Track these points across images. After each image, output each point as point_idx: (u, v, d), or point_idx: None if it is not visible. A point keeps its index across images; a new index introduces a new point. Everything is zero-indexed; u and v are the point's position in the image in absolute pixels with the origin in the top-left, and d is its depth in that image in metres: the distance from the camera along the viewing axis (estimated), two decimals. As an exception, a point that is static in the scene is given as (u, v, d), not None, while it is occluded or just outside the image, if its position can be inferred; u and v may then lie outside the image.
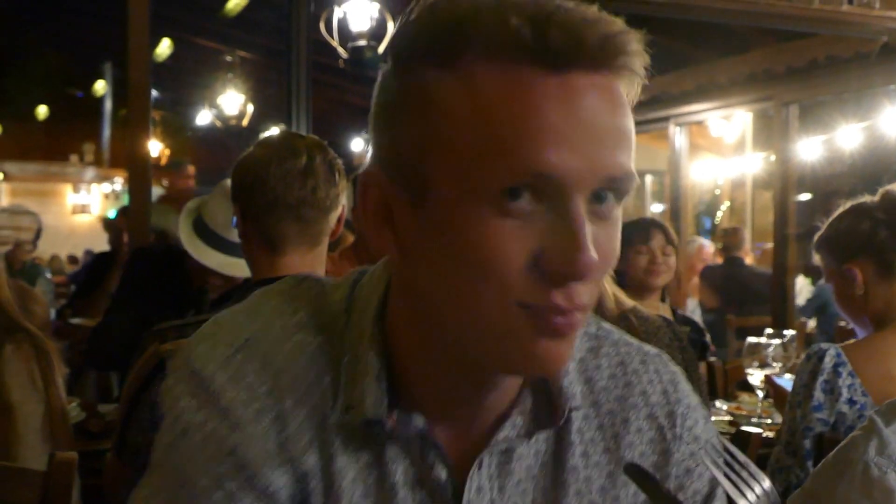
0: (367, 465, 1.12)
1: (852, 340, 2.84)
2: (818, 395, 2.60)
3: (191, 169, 6.90)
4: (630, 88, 1.00)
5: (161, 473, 1.12)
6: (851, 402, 2.59)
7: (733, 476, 1.06)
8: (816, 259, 2.92)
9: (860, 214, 2.76)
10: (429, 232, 1.02)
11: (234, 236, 3.20)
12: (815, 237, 2.89)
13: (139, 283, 3.90)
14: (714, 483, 1.24)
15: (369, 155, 1.09)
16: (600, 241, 0.98)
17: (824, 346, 2.70)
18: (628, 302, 2.89)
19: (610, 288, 2.85)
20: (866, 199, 2.78)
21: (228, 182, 3.20)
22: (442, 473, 1.12)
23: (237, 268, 3.26)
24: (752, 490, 1.05)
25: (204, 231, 3.41)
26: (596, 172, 0.96)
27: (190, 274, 3.66)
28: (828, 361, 2.61)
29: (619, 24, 0.97)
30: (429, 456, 1.12)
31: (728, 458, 1.07)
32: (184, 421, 1.10)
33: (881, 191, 2.77)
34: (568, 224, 0.95)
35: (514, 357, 1.02)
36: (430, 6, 1.02)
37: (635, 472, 1.05)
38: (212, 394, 1.10)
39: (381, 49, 6.13)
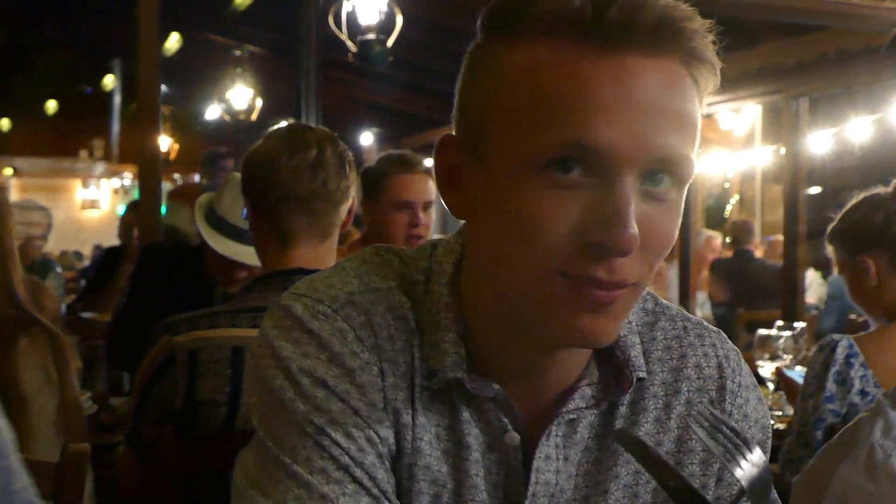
0: (444, 427, 1.16)
1: (865, 332, 2.84)
2: (830, 385, 2.60)
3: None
4: (700, 74, 1.04)
5: (271, 422, 1.13)
6: (863, 393, 2.59)
7: (725, 443, 1.08)
8: (829, 251, 2.90)
9: (874, 206, 2.75)
10: (488, 194, 1.07)
11: (233, 219, 3.34)
12: (829, 228, 2.88)
13: (150, 280, 3.89)
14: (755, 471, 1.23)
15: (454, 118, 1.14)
16: (651, 221, 1.02)
17: (836, 337, 2.70)
18: None
19: None
20: (880, 190, 2.78)
21: (235, 176, 3.27)
22: (515, 438, 1.15)
23: (245, 255, 3.30)
24: (745, 458, 1.08)
25: (220, 223, 3.44)
26: (646, 151, 0.99)
27: (206, 268, 3.66)
28: (840, 352, 2.61)
29: (680, 8, 1.01)
30: (503, 420, 1.16)
31: (720, 425, 1.09)
32: (292, 369, 1.12)
33: (894, 182, 2.76)
34: (613, 199, 0.98)
35: (556, 327, 1.05)
36: None
37: (625, 439, 1.09)
38: (321, 343, 1.13)
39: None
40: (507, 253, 1.06)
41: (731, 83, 8.32)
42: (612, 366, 1.19)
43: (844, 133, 9.86)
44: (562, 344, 1.11)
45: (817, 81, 7.58)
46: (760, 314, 6.47)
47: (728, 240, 9.76)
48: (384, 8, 6.30)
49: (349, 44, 6.17)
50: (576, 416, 1.18)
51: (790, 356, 3.79)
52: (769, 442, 1.32)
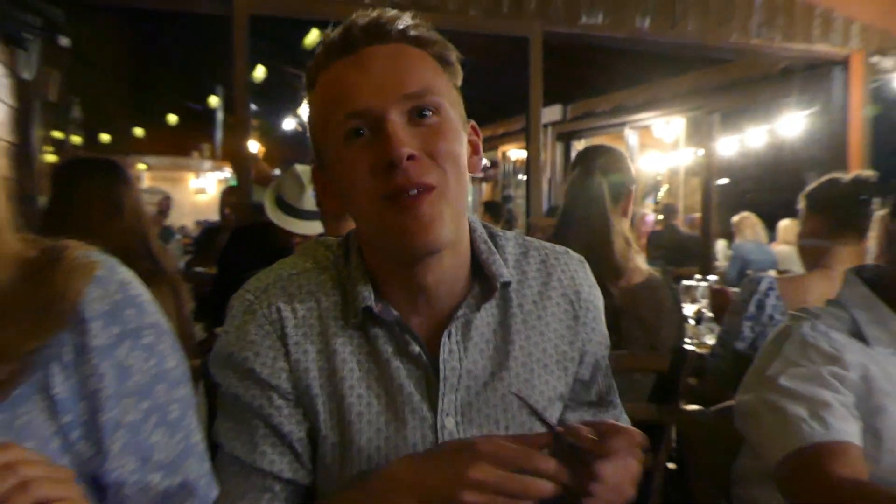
0: (359, 344, 1.21)
1: (786, 275, 2.83)
2: (751, 308, 2.62)
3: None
4: (427, 47, 1.17)
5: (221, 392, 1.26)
6: (772, 318, 2.58)
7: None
8: (800, 204, 2.78)
9: (837, 181, 2.68)
10: (332, 177, 1.18)
11: (302, 205, 3.39)
12: (807, 190, 2.77)
13: (238, 252, 3.91)
14: (602, 352, 1.36)
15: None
16: (424, 137, 1.11)
17: (761, 274, 2.71)
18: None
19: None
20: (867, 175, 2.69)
21: (297, 167, 3.43)
22: (415, 348, 1.20)
23: (305, 228, 3.40)
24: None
25: (281, 203, 3.45)
26: (389, 96, 1.10)
27: (277, 237, 3.65)
28: (763, 285, 2.64)
29: (390, 13, 1.16)
30: (404, 335, 1.20)
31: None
32: (222, 342, 1.24)
33: (856, 173, 2.71)
34: (384, 132, 1.09)
35: (396, 238, 1.12)
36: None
37: (519, 397, 1.18)
38: (240, 324, 1.22)
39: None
40: (354, 208, 1.15)
41: (664, 101, 8.26)
42: (486, 281, 1.23)
43: (745, 139, 9.85)
44: (405, 249, 1.14)
45: (727, 100, 7.54)
46: (682, 270, 6.46)
47: (660, 217, 9.78)
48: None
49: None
50: (466, 319, 1.22)
51: (706, 300, 3.78)
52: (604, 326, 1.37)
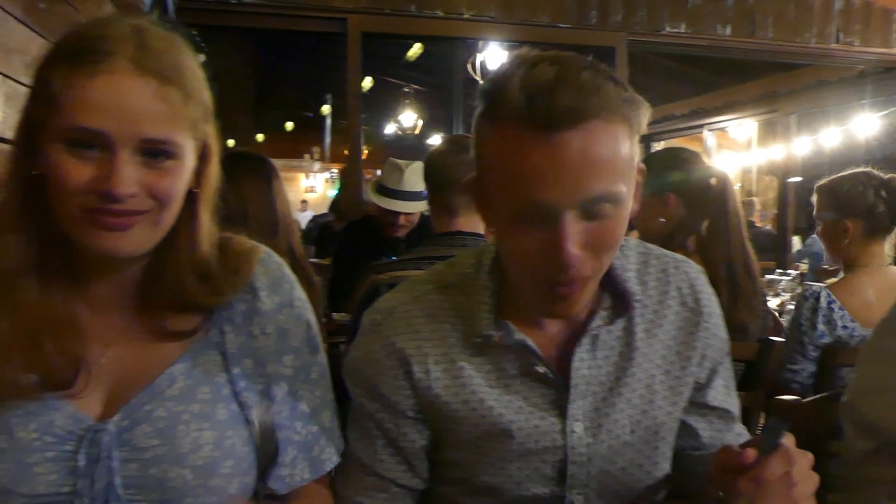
0: (483, 362, 1.18)
1: (832, 280, 2.67)
2: (821, 326, 2.45)
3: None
4: (627, 117, 0.99)
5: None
6: (845, 328, 2.44)
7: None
8: (814, 199, 2.70)
9: (868, 185, 2.56)
10: (492, 221, 1.09)
11: (401, 187, 3.58)
12: (820, 183, 2.69)
13: (351, 245, 4.01)
14: (721, 358, 1.28)
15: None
16: (593, 237, 1.01)
17: (815, 288, 2.54)
18: None
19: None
20: (872, 172, 2.59)
21: (392, 159, 3.67)
22: (540, 368, 1.16)
23: (405, 206, 3.59)
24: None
25: (382, 189, 3.63)
26: (574, 198, 0.97)
27: (381, 224, 3.79)
28: (823, 300, 2.46)
29: (594, 85, 0.96)
30: (530, 358, 1.16)
31: None
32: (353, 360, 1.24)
33: (890, 176, 2.58)
34: (556, 233, 0.99)
35: (544, 309, 1.11)
36: (493, 72, 1.04)
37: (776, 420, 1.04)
38: (367, 341, 1.22)
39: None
40: (510, 266, 1.10)
41: (740, 105, 8.02)
42: (616, 296, 1.18)
43: (819, 139, 9.48)
44: (550, 316, 1.15)
45: (803, 103, 7.27)
46: (761, 264, 6.29)
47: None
48: (504, 59, 6.22)
49: (481, 82, 6.11)
50: (597, 333, 1.18)
51: (788, 293, 3.66)
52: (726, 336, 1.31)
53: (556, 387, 1.17)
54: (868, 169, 2.60)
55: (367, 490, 1.22)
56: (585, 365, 1.17)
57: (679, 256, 1.29)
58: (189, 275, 1.09)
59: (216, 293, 1.11)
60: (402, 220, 3.66)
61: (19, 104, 1.52)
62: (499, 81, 1.00)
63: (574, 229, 0.99)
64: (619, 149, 0.98)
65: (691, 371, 1.24)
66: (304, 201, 17.53)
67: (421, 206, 3.60)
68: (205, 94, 1.07)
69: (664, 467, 1.26)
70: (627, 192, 1.02)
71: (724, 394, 1.31)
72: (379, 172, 3.80)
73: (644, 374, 1.20)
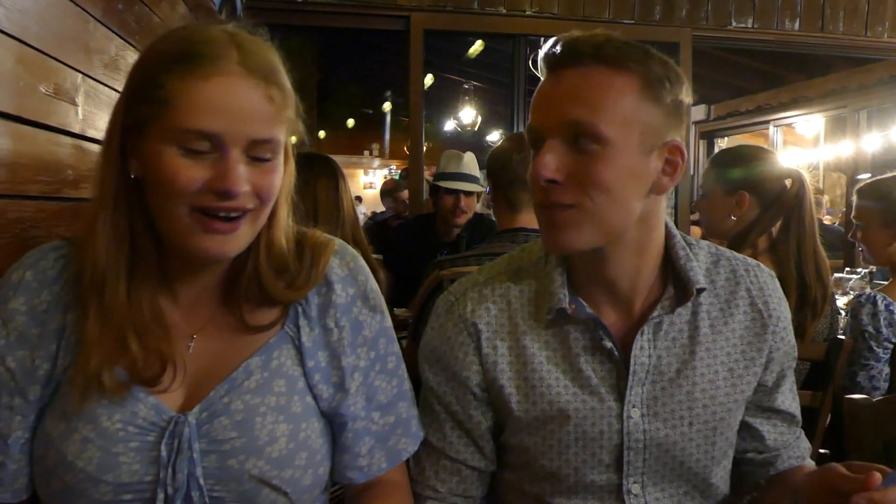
0: (549, 340, 1.22)
1: (882, 286, 2.61)
2: (885, 330, 2.40)
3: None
4: (628, 76, 1.10)
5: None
6: None
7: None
8: (853, 199, 2.66)
9: None
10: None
11: (461, 170, 3.85)
12: (863, 186, 2.64)
13: (412, 237, 4.07)
14: (790, 362, 1.30)
15: None
16: (578, 167, 1.11)
17: (869, 292, 2.50)
18: None
19: None
20: None
21: (449, 150, 4.00)
22: (608, 343, 1.19)
23: (465, 186, 3.82)
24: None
25: (443, 175, 3.89)
26: (556, 119, 1.12)
27: (442, 215, 3.95)
28: (881, 305, 2.42)
29: (597, 38, 1.11)
30: (598, 331, 1.19)
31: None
32: (428, 336, 1.31)
33: None
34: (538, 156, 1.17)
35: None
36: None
37: None
38: (442, 322, 1.29)
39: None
40: None
41: (807, 101, 7.82)
42: (682, 284, 1.21)
43: (890, 135, 9.20)
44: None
45: (873, 98, 7.04)
46: (829, 262, 6.13)
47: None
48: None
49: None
50: (659, 321, 1.20)
51: (856, 291, 3.57)
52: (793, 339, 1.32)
53: (617, 368, 1.20)
54: None
55: (440, 473, 1.27)
56: (645, 353, 1.20)
57: (751, 261, 1.31)
58: (267, 270, 1.13)
59: (294, 288, 1.14)
60: (463, 203, 3.82)
61: (98, 103, 1.59)
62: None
63: (555, 152, 1.09)
64: (617, 95, 1.08)
65: (755, 371, 1.26)
66: (357, 197, 17.72)
67: (478, 188, 3.87)
68: (293, 96, 1.10)
69: (721, 463, 1.28)
70: (624, 141, 1.09)
71: (791, 398, 1.34)
72: (435, 169, 3.97)
73: (707, 369, 1.22)
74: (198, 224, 1.02)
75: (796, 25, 4.88)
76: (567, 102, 1.09)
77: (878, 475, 0.97)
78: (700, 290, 1.21)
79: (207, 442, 1.07)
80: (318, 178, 2.43)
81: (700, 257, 1.26)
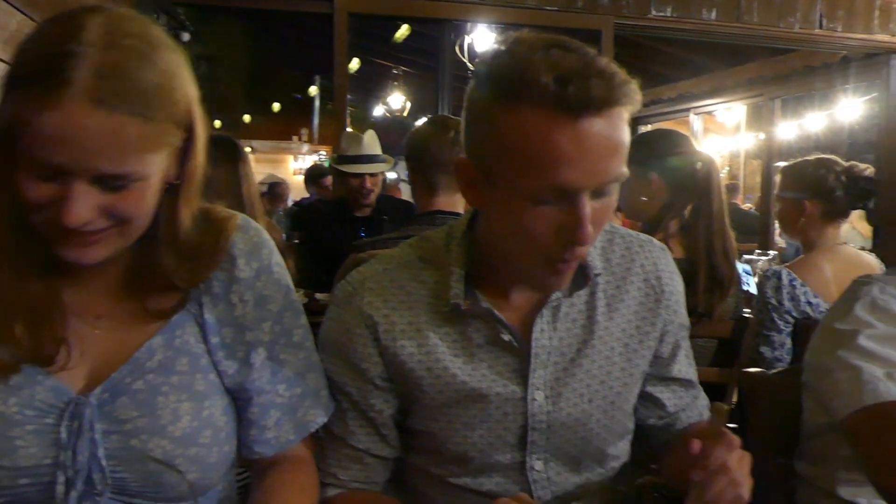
0: (449, 331, 1.23)
1: (790, 262, 2.77)
2: (787, 303, 2.53)
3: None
4: (631, 105, 1.04)
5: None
6: (809, 303, 2.52)
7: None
8: (776, 180, 2.83)
9: (831, 170, 2.66)
10: (497, 204, 1.10)
11: (360, 152, 3.83)
12: (786, 165, 2.80)
13: (328, 221, 4.09)
14: (683, 332, 1.36)
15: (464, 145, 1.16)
16: (597, 215, 1.07)
17: (776, 268, 2.65)
18: None
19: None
20: (836, 159, 2.68)
21: (348, 130, 4.02)
22: (506, 336, 1.22)
23: (367, 168, 3.82)
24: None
25: (344, 158, 3.91)
26: (595, 180, 1.03)
27: (350, 197, 3.96)
28: (785, 279, 2.55)
29: (620, 75, 1.02)
30: (496, 325, 1.21)
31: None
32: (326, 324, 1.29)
33: (852, 163, 2.67)
34: (577, 213, 1.04)
35: (538, 283, 1.18)
36: (494, 54, 1.07)
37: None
38: (340, 312, 1.27)
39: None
40: (509, 245, 1.13)
41: (727, 90, 8.04)
42: (579, 270, 1.22)
43: (805, 124, 9.55)
44: (538, 291, 1.23)
45: (788, 88, 7.30)
46: (744, 246, 6.34)
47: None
48: (492, 42, 6.23)
49: (469, 65, 6.13)
50: (557, 304, 1.23)
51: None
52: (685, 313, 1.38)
53: (519, 355, 1.23)
54: (832, 156, 2.68)
55: (342, 461, 1.28)
56: (546, 335, 1.23)
57: (644, 237, 1.36)
58: (170, 259, 1.10)
59: (197, 273, 1.12)
60: (368, 183, 3.85)
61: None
62: (516, 66, 1.02)
63: (589, 209, 1.04)
64: (628, 133, 1.05)
65: (649, 345, 1.31)
66: (271, 186, 17.50)
67: (384, 167, 3.88)
68: (184, 91, 1.01)
69: (623, 437, 1.34)
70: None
71: (687, 365, 1.40)
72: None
73: (604, 347, 1.26)
74: (52, 235, 0.99)
75: (713, 15, 5.01)
76: (607, 157, 1.03)
77: (696, 443, 1.05)
78: (597, 275, 1.25)
79: (109, 422, 1.06)
80: (219, 160, 2.40)
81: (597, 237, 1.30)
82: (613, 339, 1.27)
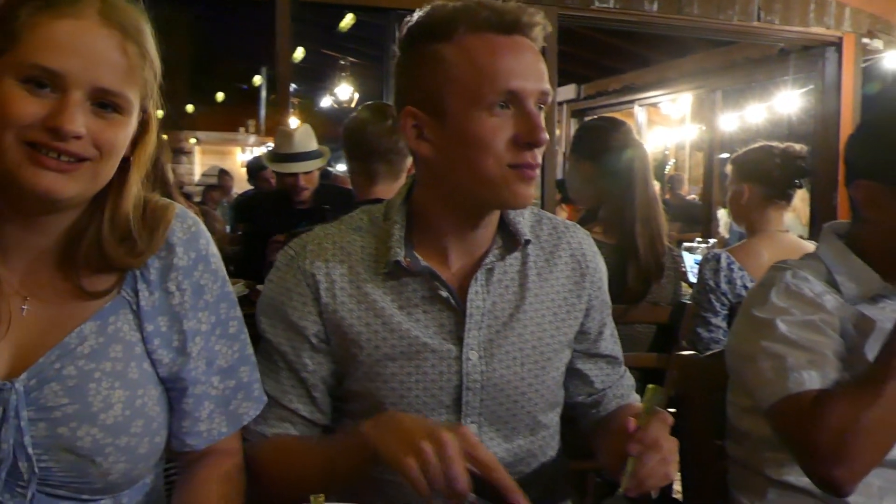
0: (388, 291, 1.29)
1: (731, 246, 2.85)
2: (724, 286, 2.59)
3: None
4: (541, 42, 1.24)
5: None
6: (745, 287, 2.58)
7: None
8: (727, 169, 2.89)
9: (769, 154, 2.73)
10: (448, 133, 1.20)
11: (291, 150, 3.71)
12: (734, 155, 2.87)
13: (269, 212, 4.05)
14: (607, 310, 1.46)
15: (398, 103, 1.26)
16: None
17: (716, 251, 2.73)
18: None
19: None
20: (776, 143, 2.75)
21: (281, 127, 3.93)
22: (444, 292, 1.28)
23: (299, 167, 3.70)
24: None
25: (276, 157, 3.82)
26: (536, 88, 1.20)
27: (285, 193, 3.88)
28: (723, 262, 2.62)
29: (536, 12, 1.22)
30: (434, 282, 1.27)
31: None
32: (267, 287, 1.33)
33: (788, 144, 2.75)
34: (529, 117, 1.18)
35: (507, 197, 1.22)
36: (431, 8, 1.23)
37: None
38: (281, 275, 1.31)
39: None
40: (469, 162, 1.19)
41: (671, 81, 8.17)
42: (508, 237, 1.33)
43: (746, 116, 9.74)
44: (507, 206, 1.28)
45: (729, 80, 7.45)
46: (687, 235, 6.47)
47: (668, 187, 9.74)
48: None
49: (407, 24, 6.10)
50: (491, 266, 1.31)
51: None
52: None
53: (455, 314, 1.28)
54: (775, 143, 2.75)
55: (270, 420, 1.30)
56: (480, 297, 1.30)
57: (570, 222, 1.46)
58: (110, 237, 1.09)
59: (135, 254, 1.11)
60: (302, 181, 3.76)
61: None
62: (454, 9, 1.21)
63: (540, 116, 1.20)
64: (545, 66, 1.23)
65: (576, 316, 1.39)
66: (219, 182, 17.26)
67: (317, 164, 3.78)
68: (157, 62, 1.09)
69: (554, 408, 1.41)
70: None
71: (612, 342, 1.49)
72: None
73: (535, 313, 1.34)
74: (27, 158, 0.98)
75: (655, 7, 5.08)
76: (539, 68, 1.21)
77: (631, 421, 1.13)
78: (527, 242, 1.33)
79: (36, 410, 1.03)
80: None
81: (525, 215, 1.38)
82: (544, 308, 1.35)
